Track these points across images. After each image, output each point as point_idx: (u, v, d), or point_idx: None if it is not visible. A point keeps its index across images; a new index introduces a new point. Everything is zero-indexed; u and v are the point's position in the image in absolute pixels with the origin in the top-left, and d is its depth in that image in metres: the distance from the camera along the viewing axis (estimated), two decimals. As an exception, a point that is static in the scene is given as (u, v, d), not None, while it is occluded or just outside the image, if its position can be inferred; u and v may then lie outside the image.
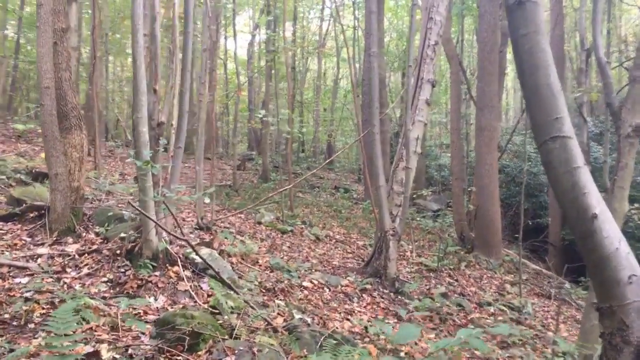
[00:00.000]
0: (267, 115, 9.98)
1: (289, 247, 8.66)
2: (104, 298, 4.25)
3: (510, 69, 24.84)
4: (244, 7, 28.94)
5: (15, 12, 19.57)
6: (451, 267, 10.53)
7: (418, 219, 15.31)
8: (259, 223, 9.97)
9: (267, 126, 14.98)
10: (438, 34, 8.08)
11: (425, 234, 13.79)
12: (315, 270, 7.42)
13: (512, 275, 11.99)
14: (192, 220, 8.46)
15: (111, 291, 4.43)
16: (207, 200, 4.88)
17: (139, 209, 4.46)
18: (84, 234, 5.71)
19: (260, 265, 6.74)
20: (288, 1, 21.75)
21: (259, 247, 8.07)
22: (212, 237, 6.17)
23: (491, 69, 11.50)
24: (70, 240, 5.52)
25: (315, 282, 6.83)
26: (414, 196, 17.74)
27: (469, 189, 14.40)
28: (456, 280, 10.01)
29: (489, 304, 8.96)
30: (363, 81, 14.17)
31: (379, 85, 18.55)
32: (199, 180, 8.07)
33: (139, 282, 4.55)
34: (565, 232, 15.21)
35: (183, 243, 5.55)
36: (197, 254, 4.72)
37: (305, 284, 6.57)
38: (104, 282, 4.54)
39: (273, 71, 20.36)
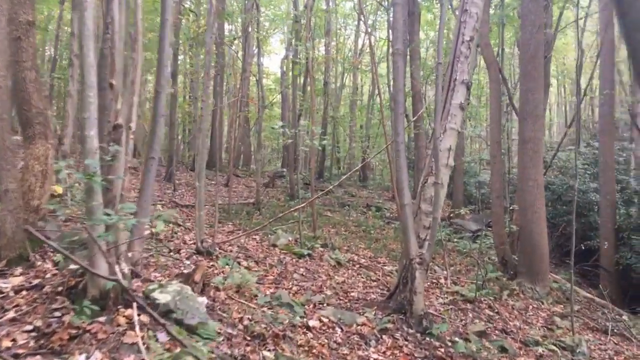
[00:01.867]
0: (285, 126, 8.80)
1: (302, 274, 7.39)
2: (15, 356, 3.10)
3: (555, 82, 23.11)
4: (279, 25, 28.12)
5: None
6: (492, 296, 9.05)
7: (455, 240, 13.81)
8: (274, 246, 8.76)
9: (294, 140, 13.78)
10: (474, 28, 6.77)
11: (463, 257, 12.28)
12: (328, 305, 6.13)
13: (562, 306, 10.36)
14: (194, 244, 7.31)
15: (31, 344, 3.26)
16: (160, 227, 3.62)
17: (43, 237, 3.30)
18: (39, 263, 4.61)
19: (257, 300, 5.50)
20: (318, 14, 20.77)
21: (266, 275, 6.84)
22: (196, 267, 4.96)
23: (535, 74, 10.05)
24: (19, 271, 4.41)
25: (325, 320, 5.54)
26: (451, 215, 16.24)
27: (511, 208, 12.85)
28: (497, 313, 8.52)
29: (537, 343, 7.47)
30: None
31: (413, 98, 17.23)
32: (199, 198, 6.92)
33: (74, 331, 3.38)
34: (620, 256, 13.41)
35: (149, 276, 4.38)
36: (129, 294, 3.51)
37: (311, 323, 5.29)
38: (27, 331, 3.39)
39: (309, 87, 19.39)
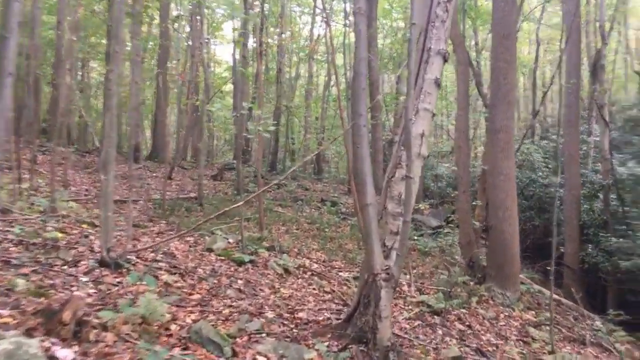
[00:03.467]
0: (213, 104, 7.15)
1: (239, 289, 5.81)
2: None
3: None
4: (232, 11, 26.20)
5: None
6: (461, 306, 7.73)
7: (415, 237, 12.50)
8: (210, 250, 7.14)
9: (237, 125, 12.17)
10: (452, -14, 5.34)
11: (425, 258, 10.96)
12: (268, 334, 4.58)
13: (534, 312, 9.15)
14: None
15: None
16: None
17: None
18: None
19: (169, 337, 3.91)
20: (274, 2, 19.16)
21: (191, 293, 5.24)
22: (65, 301, 3.31)
23: (507, 56, 8.75)
24: None
25: (262, 359, 4.01)
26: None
27: (474, 204, 11.62)
28: (469, 326, 7.19)
29: (518, 366, 6.17)
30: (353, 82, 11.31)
31: (370, 87, 15.81)
32: (105, 194, 5.24)
33: None
34: (585, 254, 12.41)
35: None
36: None
37: (242, 366, 3.75)
38: None
39: (264, 77, 17.81)
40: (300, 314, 5.40)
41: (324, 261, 8.52)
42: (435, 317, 7.08)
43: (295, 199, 14.81)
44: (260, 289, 6.04)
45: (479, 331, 7.20)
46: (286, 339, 4.59)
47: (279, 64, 19.91)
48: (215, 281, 5.77)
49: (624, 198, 12.41)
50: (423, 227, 13.70)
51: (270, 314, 5.15)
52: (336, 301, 6.38)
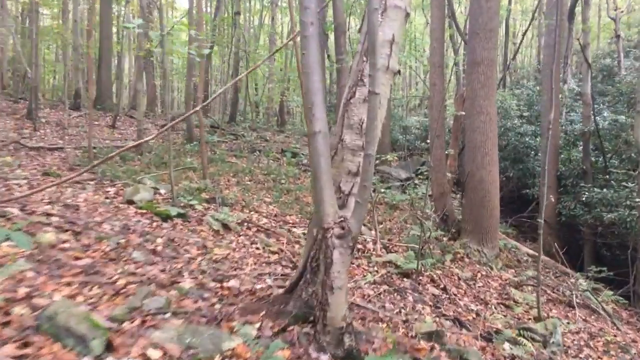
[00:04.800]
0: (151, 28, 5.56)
1: (154, 250, 4.40)
2: None
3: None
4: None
5: None
6: (434, 266, 6.53)
7: (382, 190, 11.23)
8: (130, 202, 5.68)
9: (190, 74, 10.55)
10: None
11: (393, 211, 9.72)
12: (175, 314, 3.22)
13: (513, 271, 8.07)
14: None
15: None
16: None
17: None
18: None
19: (5, 327, 2.51)
20: None
21: (79, 257, 3.80)
22: None
23: (492, -25, 7.32)
24: None
25: (157, 354, 2.65)
26: (377, 161, 13.66)
27: (446, 153, 10.36)
28: (443, 289, 6.01)
29: (503, 338, 5.00)
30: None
31: (336, 30, 14.18)
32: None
33: None
34: (562, 206, 11.38)
35: None
36: None
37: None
38: None
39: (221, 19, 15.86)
40: (232, 282, 4.04)
41: (275, 216, 7.17)
42: (405, 279, 5.89)
43: (252, 149, 13.32)
44: (185, 250, 4.64)
45: (455, 295, 6.03)
46: (203, 319, 3.23)
47: (237, 7, 17.96)
48: (122, 241, 4.34)
49: (604, 146, 11.33)
50: (391, 179, 12.44)
51: (187, 284, 3.77)
52: (284, 263, 5.05)
